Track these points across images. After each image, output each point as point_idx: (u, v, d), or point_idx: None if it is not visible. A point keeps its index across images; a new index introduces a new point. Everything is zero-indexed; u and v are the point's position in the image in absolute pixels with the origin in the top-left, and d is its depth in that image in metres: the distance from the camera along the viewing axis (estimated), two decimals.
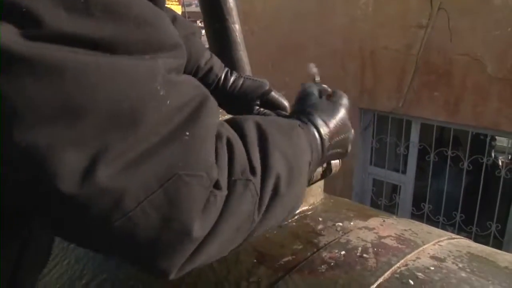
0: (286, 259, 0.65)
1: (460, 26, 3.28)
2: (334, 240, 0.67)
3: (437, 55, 3.45)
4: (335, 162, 0.74)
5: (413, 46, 3.55)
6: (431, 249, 0.66)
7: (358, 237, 0.67)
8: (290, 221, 0.74)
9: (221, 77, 0.76)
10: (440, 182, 3.88)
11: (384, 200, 4.15)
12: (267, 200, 0.44)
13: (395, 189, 4.22)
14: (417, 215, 3.89)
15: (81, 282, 0.72)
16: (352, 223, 0.72)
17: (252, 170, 0.43)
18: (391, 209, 4.12)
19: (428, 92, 3.54)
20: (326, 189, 0.86)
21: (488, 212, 3.59)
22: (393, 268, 0.59)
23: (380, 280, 0.58)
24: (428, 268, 0.60)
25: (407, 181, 4.00)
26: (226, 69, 0.78)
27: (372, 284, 0.57)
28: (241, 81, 0.77)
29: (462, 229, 3.69)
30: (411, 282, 0.57)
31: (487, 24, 3.18)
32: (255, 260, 0.66)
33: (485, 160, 3.57)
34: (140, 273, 0.69)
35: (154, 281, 0.68)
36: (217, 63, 0.77)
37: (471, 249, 0.67)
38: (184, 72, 0.42)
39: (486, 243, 3.22)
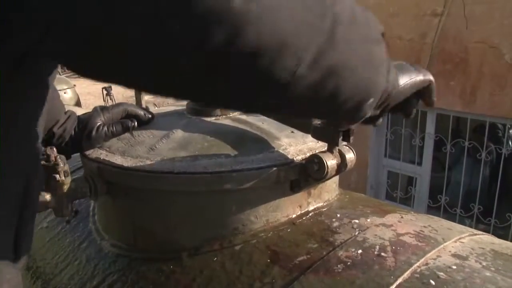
0: (300, 258, 0.62)
1: (476, 13, 3.20)
2: (350, 238, 0.64)
3: (453, 44, 3.37)
4: (350, 157, 0.71)
5: (428, 35, 3.48)
6: (452, 246, 0.63)
7: (376, 235, 0.64)
8: (303, 218, 0.72)
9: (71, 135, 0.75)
10: (457, 173, 3.82)
11: (399, 193, 4.10)
12: None
13: (410, 181, 4.16)
14: (433, 207, 3.83)
15: (92, 283, 0.70)
16: (368, 220, 0.69)
17: None
18: (407, 201, 4.07)
19: (444, 82, 3.47)
20: (341, 182, 0.83)
21: (508, 203, 3.52)
22: (413, 267, 0.57)
23: (400, 280, 0.55)
24: (450, 267, 0.57)
25: (423, 173, 3.94)
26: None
27: (391, 284, 0.54)
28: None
29: (480, 221, 3.63)
30: (432, 282, 0.54)
31: (504, 10, 3.10)
32: (268, 260, 0.63)
33: (504, 150, 3.49)
34: (151, 274, 0.67)
35: (165, 281, 0.66)
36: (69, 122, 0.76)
37: (495, 246, 0.64)
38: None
39: (506, 235, 3.17)
